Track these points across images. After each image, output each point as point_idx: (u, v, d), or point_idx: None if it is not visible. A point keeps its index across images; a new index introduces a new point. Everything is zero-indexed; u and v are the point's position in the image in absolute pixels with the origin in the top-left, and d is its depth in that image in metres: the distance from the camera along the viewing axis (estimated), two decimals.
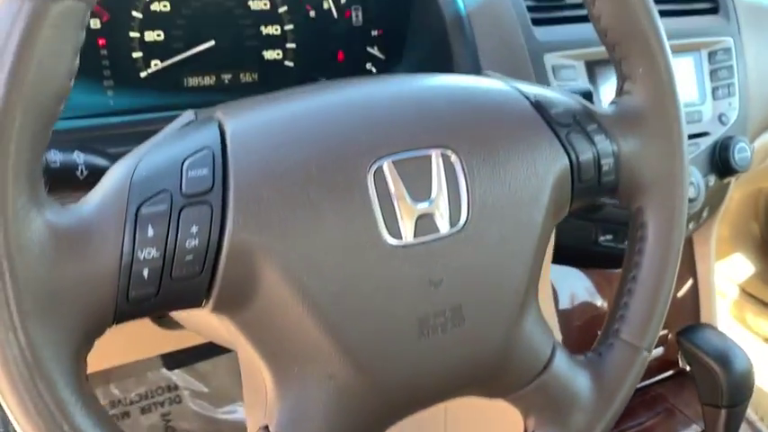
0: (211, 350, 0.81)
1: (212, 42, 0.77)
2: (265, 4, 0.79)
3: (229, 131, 0.42)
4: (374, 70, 0.87)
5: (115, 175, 0.39)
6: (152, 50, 0.74)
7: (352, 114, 0.44)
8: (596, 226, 0.83)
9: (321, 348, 0.42)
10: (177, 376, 1.34)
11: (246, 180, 0.40)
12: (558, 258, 0.88)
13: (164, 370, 1.31)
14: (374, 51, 0.86)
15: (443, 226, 0.45)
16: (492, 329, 0.47)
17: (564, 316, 1.04)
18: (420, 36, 0.83)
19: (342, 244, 0.42)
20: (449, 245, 0.45)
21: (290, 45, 0.81)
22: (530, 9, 0.80)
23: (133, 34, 0.73)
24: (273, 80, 0.81)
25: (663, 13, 0.91)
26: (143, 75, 0.74)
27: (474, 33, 0.77)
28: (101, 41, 0.72)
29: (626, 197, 0.55)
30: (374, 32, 0.86)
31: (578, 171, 0.51)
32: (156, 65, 0.75)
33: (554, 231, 0.85)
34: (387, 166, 0.43)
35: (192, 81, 0.77)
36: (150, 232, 0.37)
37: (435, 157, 0.45)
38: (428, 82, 0.49)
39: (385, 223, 0.43)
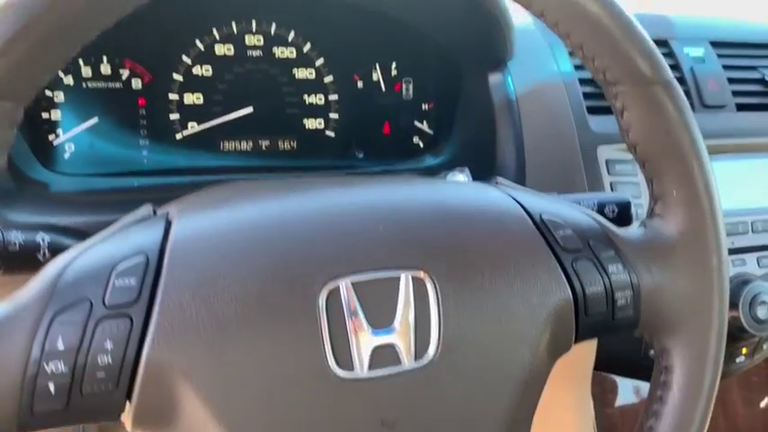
0: None
1: (251, 109, 0.76)
2: (311, 73, 0.78)
3: (172, 236, 0.39)
4: (421, 145, 0.83)
5: (45, 275, 0.37)
6: (190, 113, 0.74)
7: (312, 224, 0.40)
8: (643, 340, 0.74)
9: None
10: None
11: (176, 295, 0.37)
12: (605, 367, 0.79)
13: None
14: (422, 126, 0.82)
15: (405, 359, 0.40)
16: None
17: (621, 418, 0.94)
18: (468, 115, 0.79)
19: (279, 373, 0.37)
20: (410, 381, 0.40)
21: (334, 115, 0.79)
22: (586, 96, 0.73)
23: (172, 96, 0.73)
24: (313, 149, 0.79)
25: (746, 107, 0.82)
26: (179, 136, 0.74)
27: (521, 118, 0.71)
28: (141, 101, 0.73)
29: (648, 334, 0.48)
30: (424, 107, 0.82)
31: (584, 304, 0.44)
32: (192, 127, 0.75)
33: (595, 342, 0.77)
34: (344, 286, 0.39)
35: (229, 145, 0.76)
36: (60, 345, 0.35)
37: (405, 279, 0.40)
38: (412, 190, 0.44)
39: (333, 352, 0.38)
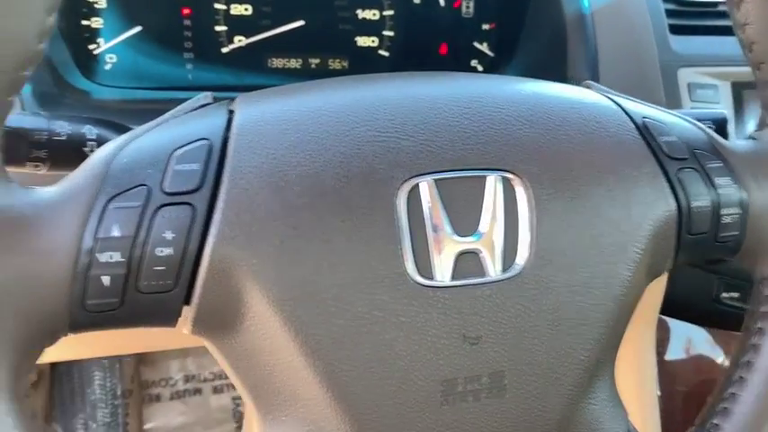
0: None
1: (302, 22, 0.71)
2: None
3: (237, 123, 0.35)
4: (480, 68, 0.77)
5: (94, 160, 0.33)
6: (237, 25, 0.69)
7: (390, 117, 0.36)
8: (719, 279, 0.69)
9: (314, 399, 0.34)
10: None
11: (244, 182, 0.33)
12: (669, 311, 0.74)
13: None
14: (482, 47, 0.77)
15: (492, 269, 0.35)
16: (541, 407, 0.37)
17: (668, 375, 0.90)
18: (535, 34, 0.73)
19: (354, 276, 0.33)
20: (496, 293, 0.35)
21: (388, 32, 0.74)
22: (669, 14, 0.67)
23: (219, 6, 0.68)
24: (365, 69, 0.74)
25: None
26: (225, 50, 0.70)
27: (596, 36, 0.65)
28: (185, 10, 0.68)
29: (751, 260, 0.43)
30: (485, 26, 0.77)
31: (688, 220, 0.39)
32: (239, 41, 0.70)
33: (665, 279, 0.72)
34: (425, 185, 0.35)
35: (277, 62, 0.72)
36: (115, 232, 0.31)
37: (492, 180, 0.36)
38: (502, 85, 0.39)
39: (414, 257, 0.34)
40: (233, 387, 1.34)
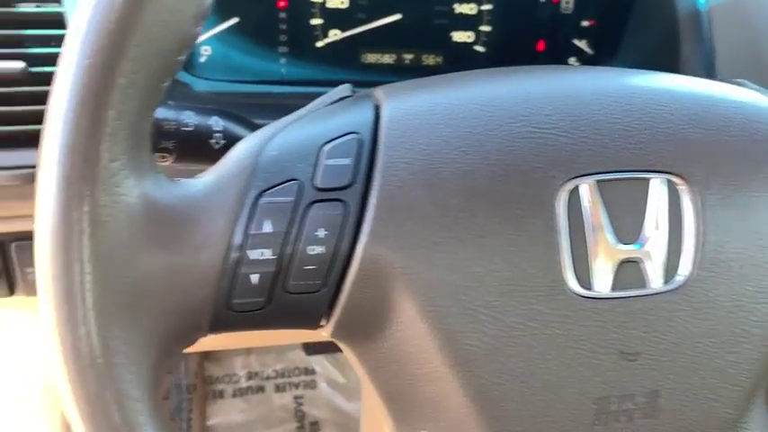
0: None
1: (399, 16, 0.68)
2: None
3: (386, 117, 0.33)
4: None
5: (240, 152, 0.31)
6: (333, 18, 0.68)
7: (547, 112, 0.33)
8: None
9: (459, 413, 0.32)
10: (316, 361, 1.30)
11: (396, 179, 0.31)
12: None
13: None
14: (582, 45, 0.74)
15: (655, 279, 0.33)
16: (695, 430, 0.34)
17: None
18: (642, 32, 0.69)
19: (508, 284, 0.31)
20: (658, 306, 0.33)
21: (485, 28, 0.71)
22: None
23: None
24: (460, 65, 0.71)
25: None
26: (319, 44, 0.68)
27: (713, 34, 0.62)
28: (281, 3, 0.67)
29: None
30: (585, 23, 0.73)
31: None
32: (335, 35, 0.68)
33: None
34: (586, 188, 0.32)
35: (371, 57, 0.70)
36: (268, 227, 0.29)
37: (656, 183, 0.33)
38: (661, 82, 0.37)
39: (573, 265, 0.32)
40: (295, 386, 1.34)
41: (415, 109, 0.33)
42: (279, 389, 1.28)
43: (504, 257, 0.31)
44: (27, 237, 0.49)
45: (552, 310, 0.32)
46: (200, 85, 0.62)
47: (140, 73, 0.27)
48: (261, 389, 1.27)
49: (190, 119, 0.39)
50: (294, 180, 0.30)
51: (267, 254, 0.29)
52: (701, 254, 0.33)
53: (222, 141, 0.40)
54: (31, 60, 0.48)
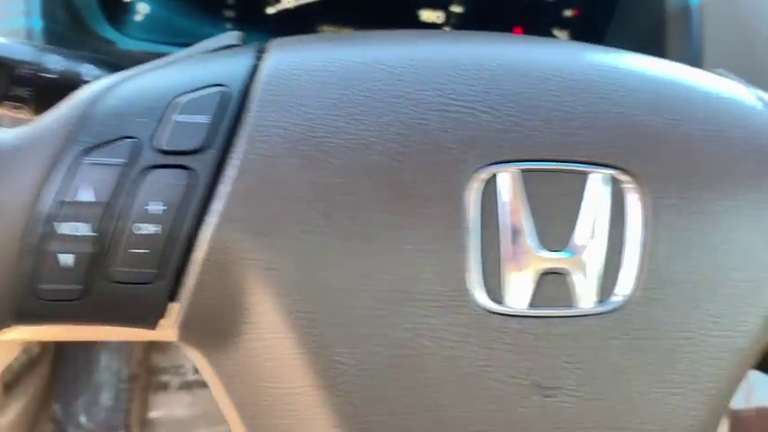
0: None
1: None
2: None
3: (266, 70, 0.26)
4: None
5: (74, 98, 0.25)
6: None
7: (470, 82, 0.27)
8: None
9: None
10: None
11: (265, 147, 0.25)
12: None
13: None
14: (561, 35, 0.67)
15: (585, 298, 0.26)
16: None
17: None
18: (627, 26, 0.63)
19: (398, 291, 0.25)
20: (587, 331, 0.26)
21: (456, 8, 0.65)
22: None
23: None
24: None
25: None
26: (270, 11, 0.61)
27: (702, 32, 0.56)
28: None
29: None
30: (568, 13, 0.67)
31: None
32: (288, 2, 0.62)
33: None
34: (507, 178, 0.26)
35: (327, 31, 0.63)
36: (87, 195, 0.23)
37: (596, 179, 0.27)
38: (619, 60, 0.30)
39: (482, 272, 0.25)
40: None
41: (305, 64, 0.27)
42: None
43: (395, 256, 0.25)
44: None
45: (451, 327, 0.25)
46: (127, 44, 0.56)
47: None
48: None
49: (54, 64, 0.32)
50: (130, 138, 0.24)
51: (84, 229, 0.23)
52: (645, 270, 0.27)
53: None
54: None
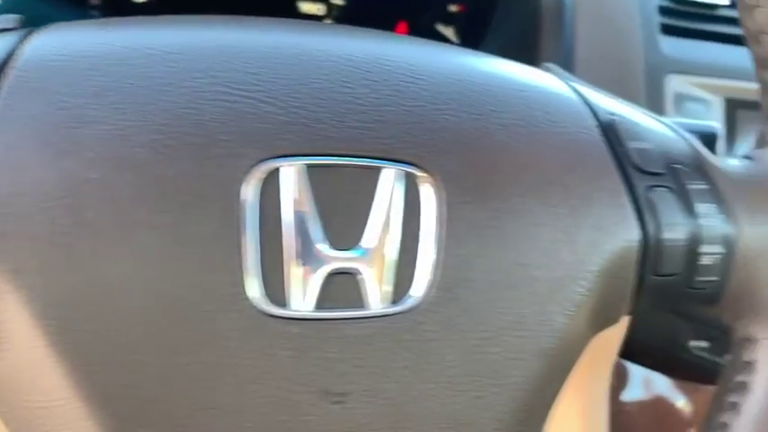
0: None
1: None
2: None
3: (23, 54, 0.24)
4: None
5: None
6: None
7: (253, 70, 0.25)
8: (687, 326, 0.59)
9: None
10: None
11: (11, 137, 0.23)
12: (629, 355, 0.65)
13: None
14: (446, 31, 0.67)
15: (376, 298, 0.25)
16: None
17: (624, 415, 0.80)
18: (506, 23, 0.63)
19: (165, 294, 0.23)
20: (378, 334, 0.25)
21: (338, 0, 0.63)
22: (662, 11, 0.57)
23: None
24: None
25: None
26: (137, 0, 0.59)
27: (574, 29, 0.56)
28: None
29: (730, 314, 0.33)
30: (452, 8, 0.67)
31: (656, 257, 0.29)
32: None
33: (625, 324, 0.62)
34: (291, 173, 0.24)
35: None
36: None
37: (389, 175, 0.25)
38: (422, 50, 0.29)
39: (262, 273, 0.24)
40: None
41: (67, 49, 0.25)
42: None
43: (162, 257, 0.23)
44: None
45: (228, 332, 0.24)
46: None
47: None
48: None
49: None
50: None
51: None
52: (440, 269, 0.26)
53: None
54: None
